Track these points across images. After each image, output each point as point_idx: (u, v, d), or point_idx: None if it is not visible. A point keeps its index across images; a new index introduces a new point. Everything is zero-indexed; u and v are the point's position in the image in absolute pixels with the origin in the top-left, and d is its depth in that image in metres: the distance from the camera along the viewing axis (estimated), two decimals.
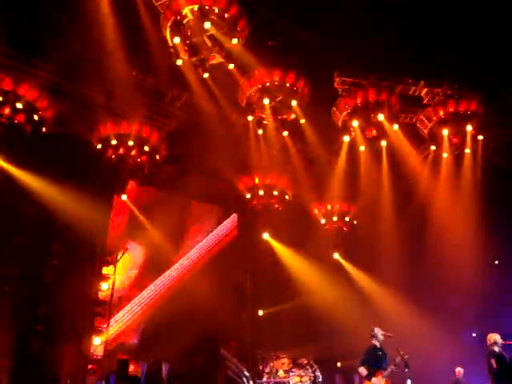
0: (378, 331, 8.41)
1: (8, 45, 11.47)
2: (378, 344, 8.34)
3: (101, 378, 11.89)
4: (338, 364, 15.29)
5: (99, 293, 12.94)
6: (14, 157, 12.25)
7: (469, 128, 12.71)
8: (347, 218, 16.37)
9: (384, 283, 14.91)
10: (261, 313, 15.94)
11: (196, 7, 10.08)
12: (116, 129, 13.09)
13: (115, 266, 13.41)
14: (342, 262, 16.92)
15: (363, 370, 8.11)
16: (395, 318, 12.82)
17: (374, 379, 7.92)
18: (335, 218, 16.34)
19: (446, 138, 13.09)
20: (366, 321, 9.66)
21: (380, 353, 8.26)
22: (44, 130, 12.62)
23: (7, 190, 12.18)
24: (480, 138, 13.14)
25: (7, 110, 11.91)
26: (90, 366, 12.08)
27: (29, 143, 12.35)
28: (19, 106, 11.94)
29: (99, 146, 13.20)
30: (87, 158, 13.23)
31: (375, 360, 8.23)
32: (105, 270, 13.21)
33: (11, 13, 10.46)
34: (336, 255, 17.05)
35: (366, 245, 15.44)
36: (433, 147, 13.82)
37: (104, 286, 13.04)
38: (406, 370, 8.06)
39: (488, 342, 8.81)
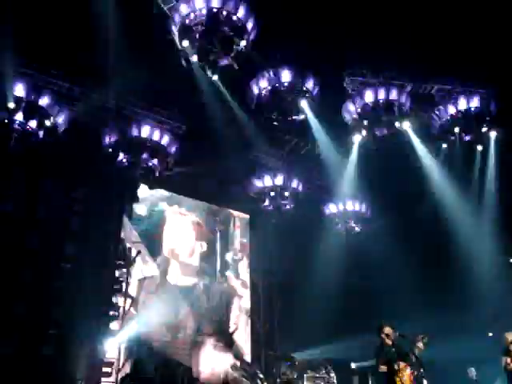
0: (388, 330, 8.33)
1: (19, 53, 11.59)
2: (390, 342, 8.25)
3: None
4: (353, 365, 15.16)
5: (113, 296, 13.00)
6: (27, 162, 12.36)
7: (481, 125, 12.59)
8: (359, 218, 16.25)
9: (398, 282, 14.77)
10: (274, 314, 15.89)
11: (204, 10, 10.14)
12: (127, 133, 13.18)
13: (128, 269, 13.48)
14: (355, 261, 16.79)
15: (384, 368, 8.02)
16: (409, 318, 12.69)
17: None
18: (347, 218, 16.24)
19: (457, 136, 12.97)
20: (380, 321, 9.55)
21: (393, 349, 8.17)
22: (56, 134, 12.75)
23: (21, 195, 12.32)
24: (493, 135, 13.00)
25: (20, 117, 12.08)
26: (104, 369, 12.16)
27: (41, 148, 12.47)
28: (32, 112, 12.09)
29: (110, 150, 13.29)
30: (99, 162, 13.31)
31: (391, 357, 8.15)
32: (118, 273, 13.27)
33: (21, 21, 10.57)
34: (349, 255, 16.93)
35: (379, 244, 15.33)
36: (444, 145, 13.69)
37: (117, 288, 13.09)
38: (422, 370, 7.98)
39: (505, 341, 8.71)
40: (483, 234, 13.65)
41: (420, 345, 8.05)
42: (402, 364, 7.85)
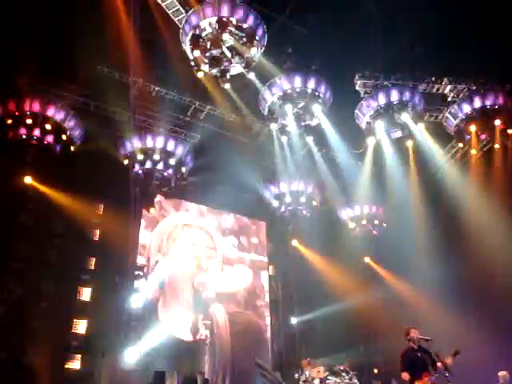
0: (414, 333, 8.17)
1: (36, 69, 11.81)
2: (415, 346, 8.09)
3: None
4: (375, 370, 14.99)
5: (132, 306, 13.07)
6: (46, 176, 12.56)
7: (497, 122, 12.43)
8: (376, 221, 16.14)
9: (418, 285, 14.58)
10: (294, 321, 15.80)
11: (214, 20, 10.22)
12: (141, 144, 13.34)
13: (147, 279, 13.55)
14: (374, 265, 16.67)
15: (406, 375, 7.88)
16: (433, 320, 12.49)
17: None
18: (364, 222, 16.13)
19: (473, 135, 12.81)
20: (402, 324, 9.42)
21: (419, 354, 7.99)
22: (72, 148, 12.95)
23: (40, 209, 12.51)
24: (510, 131, 12.80)
25: (37, 132, 12.31)
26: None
27: (58, 162, 12.66)
28: (48, 127, 12.33)
29: (126, 162, 13.44)
30: (115, 173, 13.45)
31: (415, 362, 7.99)
32: (137, 284, 13.34)
33: (38, 39, 10.78)
34: (367, 259, 16.82)
35: (397, 247, 15.17)
36: (460, 144, 13.54)
37: (136, 298, 13.16)
38: (447, 375, 7.81)
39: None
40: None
41: (449, 360, 7.85)
42: (423, 374, 7.71)
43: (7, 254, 11.84)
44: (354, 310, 14.62)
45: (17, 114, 12.09)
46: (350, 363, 11.80)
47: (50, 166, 12.63)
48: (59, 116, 12.49)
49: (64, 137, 12.69)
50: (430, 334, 8.30)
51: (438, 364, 7.75)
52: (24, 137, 12.27)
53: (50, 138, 12.57)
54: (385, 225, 16.19)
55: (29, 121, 12.14)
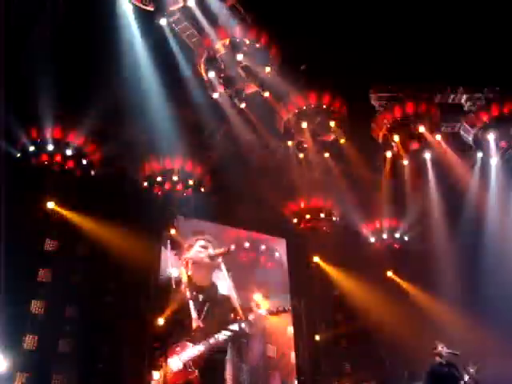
0: (442, 348, 8.04)
1: (56, 97, 12.10)
2: (442, 361, 7.96)
3: None
4: None
5: (156, 328, 13.04)
6: (67, 200, 12.76)
7: None
8: (397, 235, 15.99)
9: (442, 297, 14.33)
10: (318, 338, 15.60)
11: (227, 41, 10.42)
12: (160, 166, 13.50)
13: (169, 298, 13.54)
14: (396, 279, 16.44)
15: None
16: (457, 333, 12.24)
17: None
18: (385, 236, 16.00)
19: (492, 143, 12.69)
20: (428, 338, 9.27)
21: (446, 369, 7.86)
22: (93, 172, 13.17)
23: (62, 232, 12.68)
24: None
25: (58, 158, 12.58)
26: None
27: (80, 186, 12.88)
28: (69, 152, 12.59)
29: (146, 184, 13.59)
30: (135, 196, 13.60)
31: (444, 378, 7.85)
32: (160, 303, 13.33)
33: (57, 67, 11.06)
34: (389, 273, 16.61)
35: (420, 260, 14.98)
36: (479, 154, 13.40)
37: (160, 320, 13.14)
38: None
39: None
40: None
41: (471, 371, 7.71)
42: None
43: (33, 279, 12.00)
44: (378, 324, 14.41)
45: (39, 140, 12.39)
46: (377, 379, 11.66)
47: (71, 191, 12.86)
48: (79, 141, 12.74)
49: (84, 161, 12.92)
50: (456, 347, 8.17)
51: (466, 377, 7.62)
52: (46, 163, 12.53)
53: (70, 163, 12.82)
54: (406, 238, 16.03)
55: (50, 147, 12.43)
